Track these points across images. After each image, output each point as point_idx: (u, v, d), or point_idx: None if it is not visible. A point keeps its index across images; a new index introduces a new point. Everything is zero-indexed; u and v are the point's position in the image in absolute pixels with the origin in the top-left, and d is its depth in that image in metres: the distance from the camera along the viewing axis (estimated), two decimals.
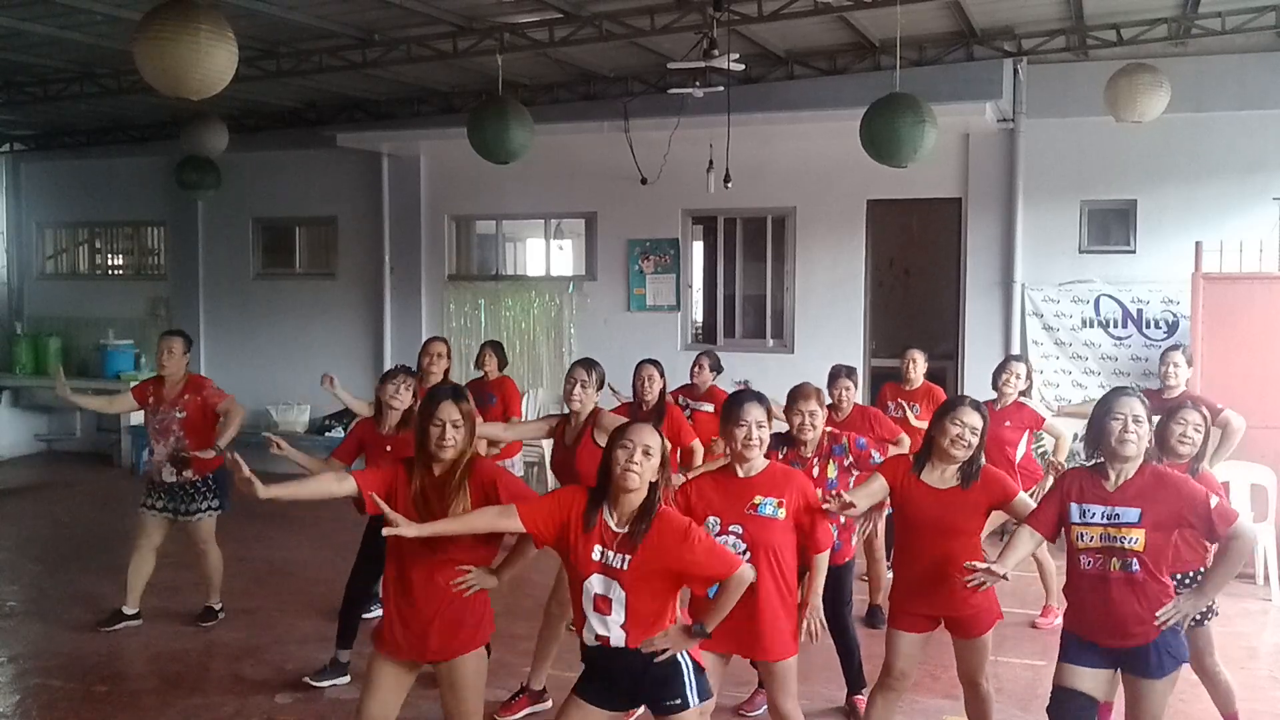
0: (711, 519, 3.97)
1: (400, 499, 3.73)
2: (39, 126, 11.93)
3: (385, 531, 3.51)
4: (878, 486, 4.31)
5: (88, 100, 9.61)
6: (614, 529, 3.45)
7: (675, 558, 3.39)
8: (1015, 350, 8.97)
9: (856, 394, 6.42)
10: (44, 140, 12.25)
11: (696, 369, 7.48)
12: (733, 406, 4.06)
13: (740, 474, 4.04)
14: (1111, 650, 3.78)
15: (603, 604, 3.45)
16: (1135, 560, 3.69)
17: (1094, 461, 3.87)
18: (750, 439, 3.97)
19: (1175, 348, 6.89)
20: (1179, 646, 3.76)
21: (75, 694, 5.46)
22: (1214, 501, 3.66)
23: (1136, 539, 3.68)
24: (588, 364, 5.27)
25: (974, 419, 4.17)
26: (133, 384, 7.43)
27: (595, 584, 3.45)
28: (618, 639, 3.46)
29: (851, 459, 4.96)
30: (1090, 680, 3.81)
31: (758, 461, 4.05)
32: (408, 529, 3.50)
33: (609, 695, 3.57)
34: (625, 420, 3.75)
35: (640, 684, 3.51)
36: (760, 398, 4.10)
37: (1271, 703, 5.51)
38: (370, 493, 3.65)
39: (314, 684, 5.47)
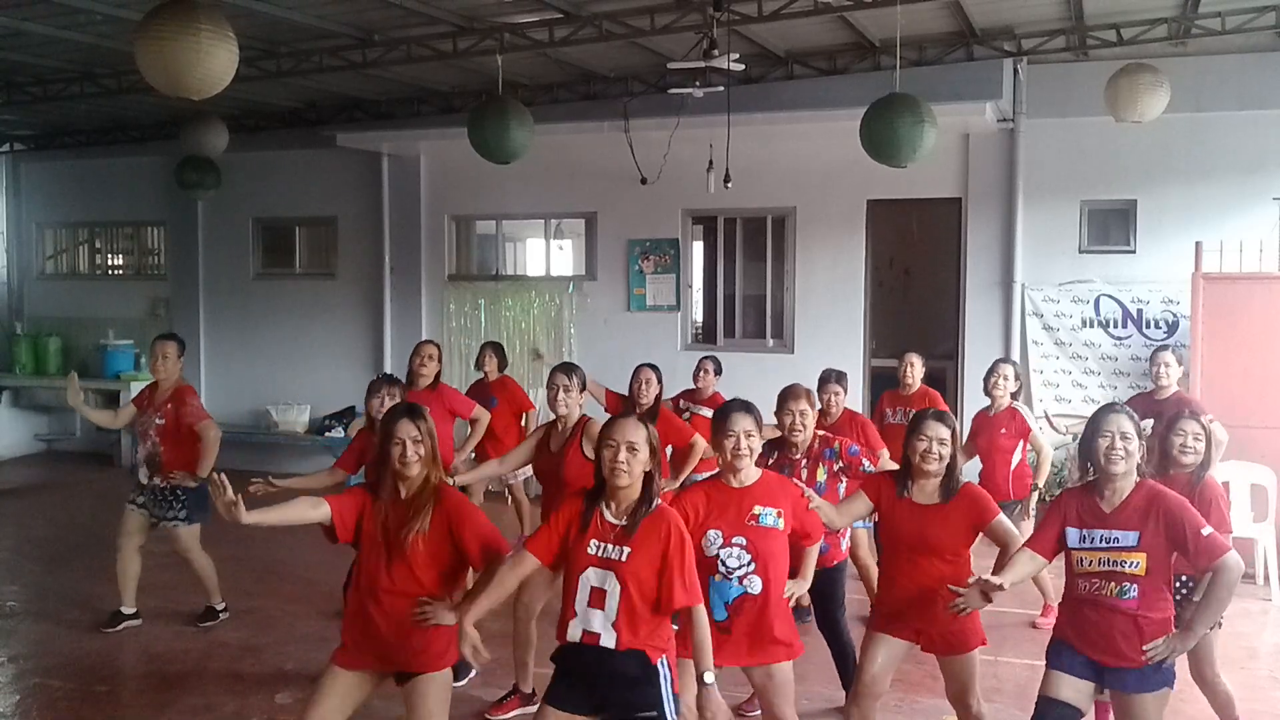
0: (712, 533, 3.95)
1: (367, 525, 3.74)
2: (39, 126, 11.94)
3: (439, 618, 3.60)
4: (860, 505, 4.29)
5: (88, 100, 9.61)
6: (612, 521, 3.50)
7: (668, 547, 3.44)
8: (1015, 350, 8.98)
9: (852, 396, 6.41)
10: (44, 140, 12.25)
11: (701, 373, 7.47)
12: (721, 418, 4.05)
13: (734, 484, 4.03)
14: (1100, 665, 3.77)
15: (598, 597, 3.47)
16: (1134, 586, 3.68)
17: (1087, 480, 3.86)
18: (739, 449, 3.96)
19: (1165, 348, 6.88)
20: (1169, 669, 3.74)
21: (75, 694, 5.46)
22: (1206, 531, 3.64)
23: (1138, 563, 3.68)
24: (567, 369, 5.19)
25: (939, 430, 4.11)
26: (135, 389, 7.38)
27: (591, 577, 3.48)
28: (607, 638, 3.46)
29: (842, 464, 4.93)
30: (1073, 689, 3.79)
31: (751, 471, 4.04)
32: (466, 619, 3.55)
33: (577, 697, 3.54)
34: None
35: (614, 689, 3.49)
36: (748, 407, 4.07)
37: (1271, 703, 5.51)
38: (341, 522, 3.72)
39: None
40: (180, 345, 6.50)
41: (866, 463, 4.96)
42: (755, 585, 3.96)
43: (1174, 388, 6.66)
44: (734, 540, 3.94)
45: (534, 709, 5.12)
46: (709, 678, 3.52)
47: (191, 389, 6.51)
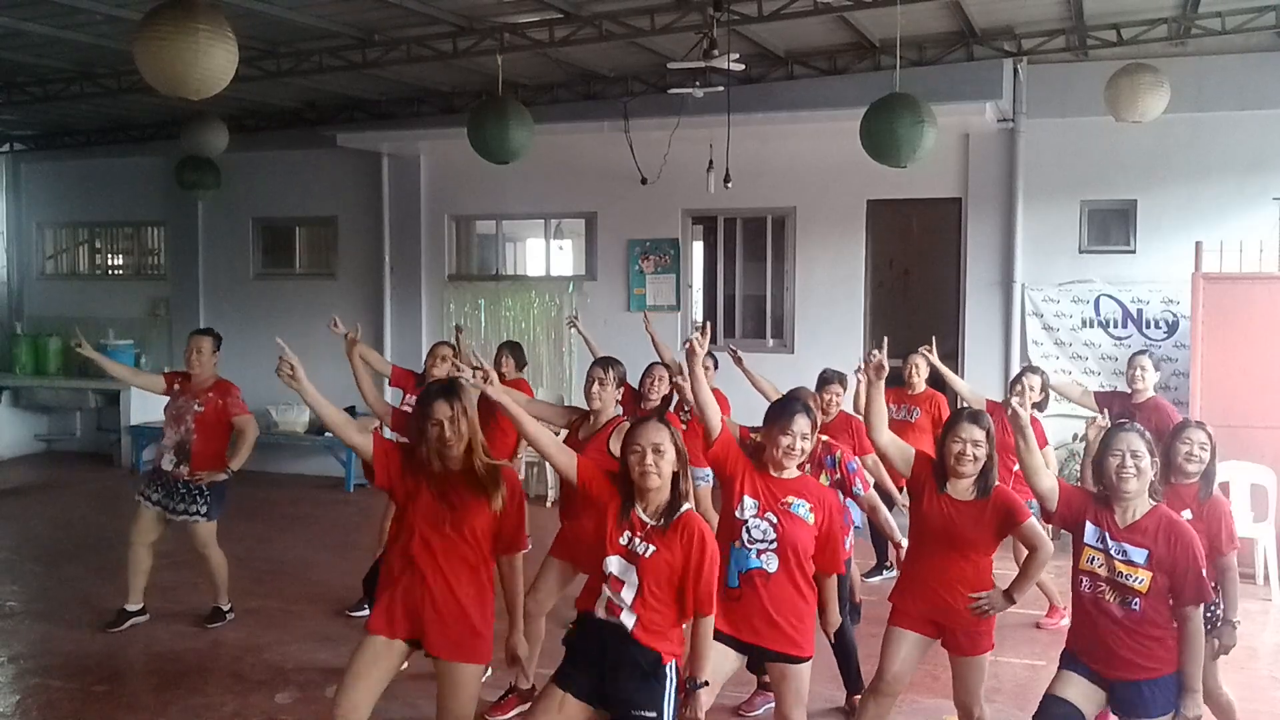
0: (749, 499, 3.98)
1: (422, 487, 3.74)
2: (39, 126, 11.94)
3: (472, 382, 3.64)
4: (904, 452, 4.30)
5: (88, 100, 9.61)
6: (645, 520, 3.55)
7: (688, 556, 3.50)
8: (1015, 350, 8.99)
9: (852, 396, 6.44)
10: (44, 140, 12.25)
11: (647, 378, 7.38)
12: (784, 414, 4.03)
13: (774, 474, 4.05)
14: (1105, 679, 3.79)
15: (616, 585, 3.53)
16: (1136, 599, 3.71)
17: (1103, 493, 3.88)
18: (793, 449, 3.98)
19: (1142, 352, 6.96)
20: (1172, 693, 3.75)
21: (75, 694, 5.46)
22: (1202, 572, 3.71)
23: (1143, 580, 3.70)
24: (605, 363, 5.22)
25: (974, 432, 4.13)
26: (134, 389, 7.36)
27: (613, 564, 3.53)
28: (628, 616, 3.51)
29: (839, 477, 4.95)
30: (1080, 692, 3.80)
31: (793, 470, 4.07)
32: (493, 389, 3.63)
33: (584, 680, 3.54)
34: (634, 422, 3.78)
35: (623, 678, 3.50)
36: (809, 410, 4.09)
37: (1271, 703, 5.51)
38: (383, 465, 3.74)
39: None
40: (216, 340, 6.58)
41: (859, 484, 5.02)
42: (772, 563, 3.97)
43: (1150, 391, 6.73)
44: (766, 515, 3.98)
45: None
46: (700, 682, 3.58)
47: (232, 384, 6.55)
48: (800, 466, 4.85)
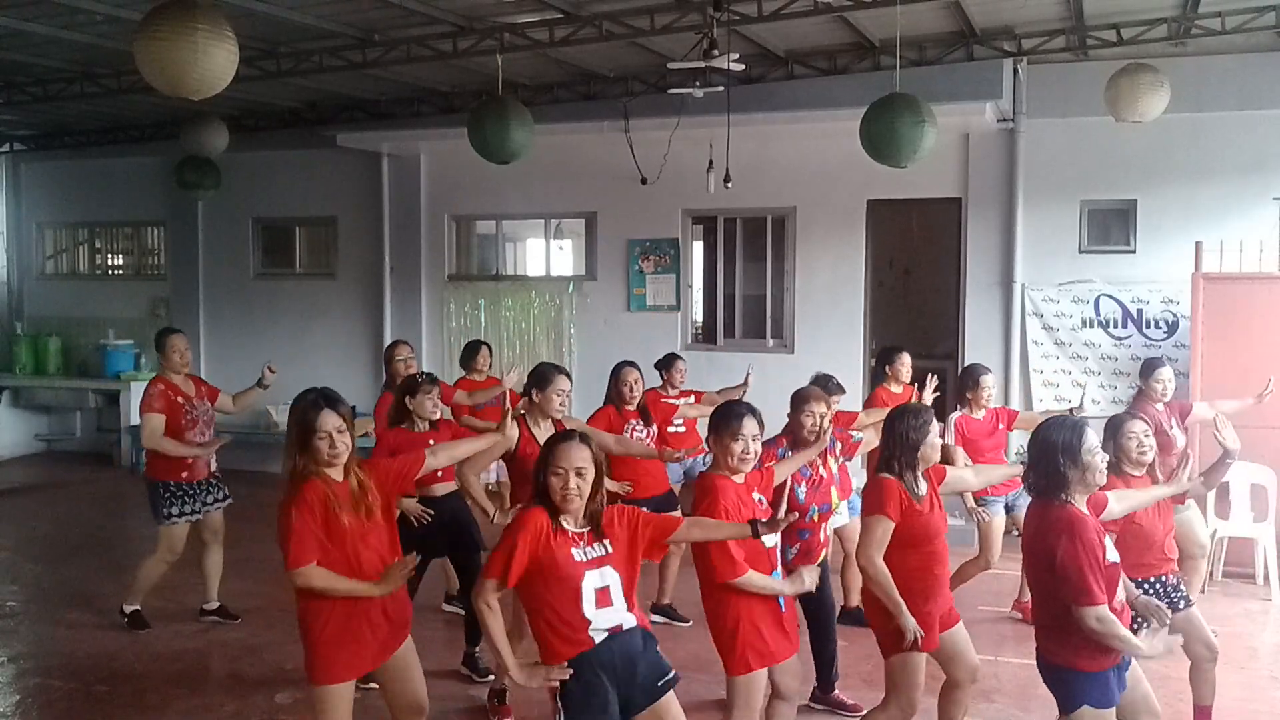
0: (768, 539, 3.97)
1: (332, 523, 3.70)
2: (39, 126, 11.94)
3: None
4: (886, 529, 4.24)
5: (88, 100, 9.61)
6: (578, 530, 3.50)
7: (627, 527, 3.55)
8: (1015, 350, 8.99)
9: (853, 396, 6.56)
10: (44, 140, 12.25)
11: (677, 372, 7.42)
12: (732, 419, 4.06)
13: (737, 480, 4.09)
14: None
15: (604, 595, 3.46)
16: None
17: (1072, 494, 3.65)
18: (748, 453, 4.04)
19: (1161, 363, 6.83)
20: None
21: (75, 694, 5.47)
22: None
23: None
24: (568, 373, 5.39)
25: (938, 426, 4.31)
26: (135, 389, 7.43)
27: (593, 579, 3.45)
28: (628, 622, 3.48)
29: (840, 445, 5.21)
30: None
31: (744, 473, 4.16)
32: (517, 676, 3.47)
33: (612, 707, 3.43)
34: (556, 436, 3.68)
35: (636, 669, 3.47)
36: (754, 411, 4.15)
37: (1271, 703, 5.50)
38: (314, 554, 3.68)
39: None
40: None
41: (855, 433, 5.37)
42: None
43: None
44: (800, 534, 4.09)
45: None
46: (773, 519, 3.68)
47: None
48: (815, 462, 4.95)
